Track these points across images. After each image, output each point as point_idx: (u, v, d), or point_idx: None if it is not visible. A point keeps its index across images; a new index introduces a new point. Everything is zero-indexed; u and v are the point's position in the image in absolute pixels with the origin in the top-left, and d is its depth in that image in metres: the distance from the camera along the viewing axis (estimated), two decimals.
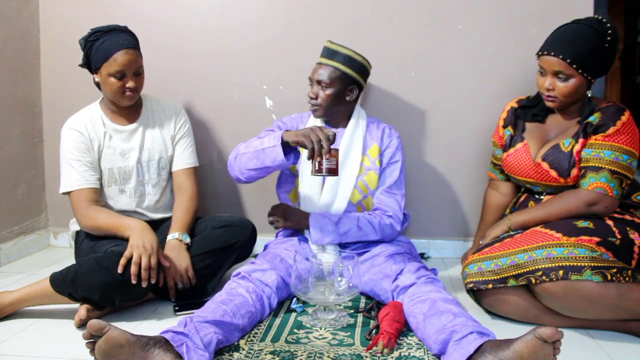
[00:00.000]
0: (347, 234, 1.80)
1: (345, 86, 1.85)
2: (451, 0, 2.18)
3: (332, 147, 1.59)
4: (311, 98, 1.87)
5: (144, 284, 1.55)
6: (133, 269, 1.53)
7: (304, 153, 1.59)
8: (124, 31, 1.77)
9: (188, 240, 1.75)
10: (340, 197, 1.85)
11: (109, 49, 1.70)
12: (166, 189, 1.95)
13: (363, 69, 1.88)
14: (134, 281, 1.53)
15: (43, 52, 2.38)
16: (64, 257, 2.30)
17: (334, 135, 1.56)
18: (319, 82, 1.84)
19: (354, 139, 1.89)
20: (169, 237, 1.75)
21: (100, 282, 1.52)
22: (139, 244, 1.57)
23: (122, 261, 1.53)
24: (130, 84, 1.75)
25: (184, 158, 1.95)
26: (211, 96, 2.32)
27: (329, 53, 1.85)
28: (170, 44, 2.29)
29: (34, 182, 2.40)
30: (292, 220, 1.83)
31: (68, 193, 1.78)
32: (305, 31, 2.25)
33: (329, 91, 1.83)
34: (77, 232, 1.86)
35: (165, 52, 2.26)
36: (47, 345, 1.45)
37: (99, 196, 1.80)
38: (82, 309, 1.56)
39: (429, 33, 2.21)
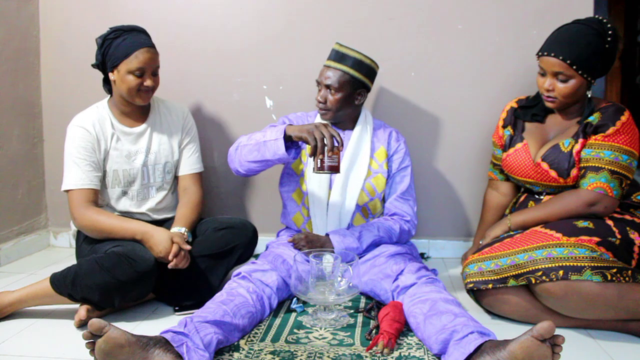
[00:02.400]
0: (372, 244, 1.81)
1: (354, 90, 1.84)
2: (451, 0, 2.19)
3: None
4: (319, 102, 1.84)
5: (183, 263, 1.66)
6: (171, 266, 1.64)
7: (308, 150, 1.59)
8: (143, 32, 1.80)
9: (190, 238, 1.76)
10: (348, 199, 1.85)
11: (130, 46, 1.72)
12: (170, 191, 1.95)
13: (371, 72, 1.86)
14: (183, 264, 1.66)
15: (43, 52, 2.38)
16: (64, 257, 2.30)
17: (339, 134, 1.56)
18: (327, 87, 1.81)
19: (362, 142, 1.88)
20: (173, 229, 1.75)
21: (100, 283, 1.52)
22: (158, 255, 1.63)
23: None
24: (148, 82, 1.76)
25: (191, 163, 1.95)
26: (211, 96, 2.32)
27: (337, 56, 1.82)
28: (170, 44, 2.28)
29: (34, 182, 2.40)
30: (315, 244, 1.79)
31: (69, 191, 1.78)
32: (306, 31, 2.25)
33: (338, 95, 1.81)
34: (78, 231, 1.86)
35: (165, 52, 2.25)
36: (47, 345, 1.45)
37: (98, 198, 1.80)
38: (82, 309, 1.56)
39: (429, 33, 2.21)
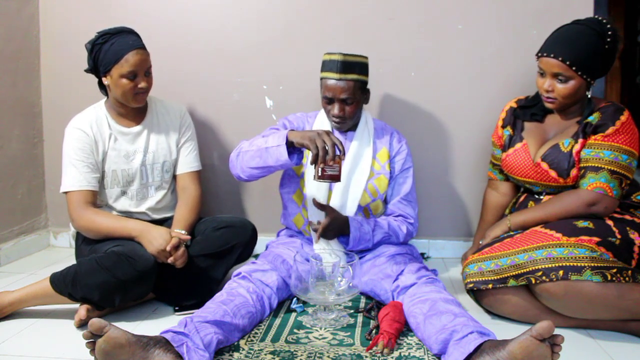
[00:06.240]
0: (379, 242, 1.82)
1: (363, 93, 1.84)
2: (451, 0, 2.19)
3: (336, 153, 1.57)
4: (337, 116, 1.80)
5: (180, 262, 1.67)
6: (170, 260, 1.65)
7: (309, 155, 1.59)
8: (131, 32, 1.78)
9: (189, 243, 1.76)
10: (350, 201, 1.83)
11: (120, 50, 1.71)
12: (169, 190, 1.95)
13: (368, 69, 1.86)
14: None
15: (43, 52, 2.38)
16: (64, 257, 2.30)
17: (341, 142, 1.56)
18: (343, 100, 1.78)
19: (364, 143, 1.88)
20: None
21: (100, 282, 1.52)
22: (157, 249, 1.63)
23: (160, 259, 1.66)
24: (142, 84, 1.76)
25: (189, 162, 1.95)
26: (211, 96, 2.32)
27: (344, 66, 1.76)
28: (170, 44, 2.29)
29: (34, 182, 2.40)
30: (334, 231, 1.75)
31: (67, 192, 1.78)
32: (305, 31, 2.25)
33: (354, 105, 1.80)
34: (78, 232, 1.86)
35: (165, 52, 2.27)
36: (47, 345, 1.45)
37: (96, 199, 1.80)
38: (82, 309, 1.56)
39: (429, 33, 2.21)
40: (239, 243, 1.79)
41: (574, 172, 1.65)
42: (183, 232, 1.74)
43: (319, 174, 1.56)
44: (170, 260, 1.64)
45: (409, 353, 1.38)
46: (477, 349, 1.22)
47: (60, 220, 2.46)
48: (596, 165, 1.60)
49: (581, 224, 1.55)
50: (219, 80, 2.31)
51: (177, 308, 1.71)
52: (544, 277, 1.45)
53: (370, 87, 1.92)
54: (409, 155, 1.94)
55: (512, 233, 1.70)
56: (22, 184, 2.32)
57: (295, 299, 1.71)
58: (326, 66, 1.80)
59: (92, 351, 1.19)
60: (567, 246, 1.47)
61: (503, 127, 1.88)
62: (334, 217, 1.74)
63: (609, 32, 1.59)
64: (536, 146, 1.77)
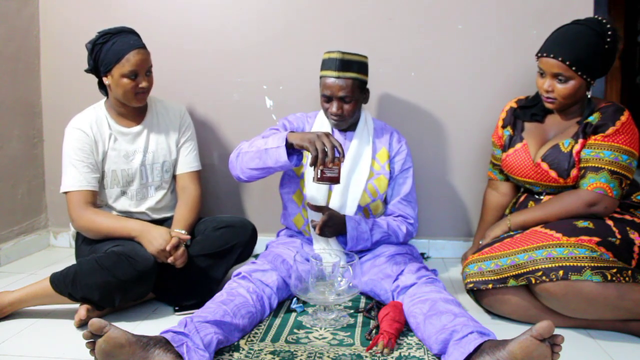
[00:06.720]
0: (378, 242, 1.82)
1: (362, 92, 1.84)
2: (451, 0, 2.19)
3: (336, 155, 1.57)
4: (335, 114, 1.80)
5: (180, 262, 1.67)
6: (170, 260, 1.65)
7: (308, 156, 1.59)
8: (132, 32, 1.78)
9: (189, 242, 1.76)
10: (350, 201, 1.83)
11: (121, 50, 1.71)
12: (168, 190, 1.95)
13: (367, 68, 1.86)
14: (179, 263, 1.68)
15: (43, 52, 2.38)
16: (64, 257, 2.30)
17: (341, 145, 1.56)
18: (341, 98, 1.78)
19: (363, 143, 1.88)
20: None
21: (100, 282, 1.52)
22: (157, 249, 1.62)
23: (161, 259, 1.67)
24: (143, 84, 1.76)
25: (189, 162, 1.95)
26: (211, 96, 2.32)
27: (343, 64, 1.76)
28: (170, 44, 2.29)
29: (34, 182, 2.40)
30: (333, 227, 1.76)
31: (67, 193, 1.78)
32: (305, 31, 2.25)
33: (352, 103, 1.80)
34: (78, 232, 1.86)
35: (165, 52, 2.27)
36: (47, 345, 1.45)
37: (96, 199, 1.80)
38: (82, 309, 1.56)
39: (428, 33, 2.21)
40: (239, 243, 1.79)
41: (574, 172, 1.65)
42: (183, 232, 1.74)
43: (318, 176, 1.56)
44: (170, 260, 1.64)
45: (409, 353, 1.38)
46: (477, 349, 1.22)
47: (60, 220, 2.46)
48: (596, 165, 1.60)
49: (581, 224, 1.55)
50: (219, 80, 2.31)
51: (177, 308, 1.71)
52: (544, 277, 1.45)
53: (370, 87, 1.92)
54: (409, 156, 1.94)
55: (512, 233, 1.70)
56: (22, 184, 2.32)
57: (295, 299, 1.71)
58: (325, 64, 1.81)
59: (92, 351, 1.19)
60: (567, 246, 1.47)
61: (503, 127, 1.88)
62: (332, 214, 1.75)
63: (609, 32, 1.59)
64: (536, 146, 1.77)
